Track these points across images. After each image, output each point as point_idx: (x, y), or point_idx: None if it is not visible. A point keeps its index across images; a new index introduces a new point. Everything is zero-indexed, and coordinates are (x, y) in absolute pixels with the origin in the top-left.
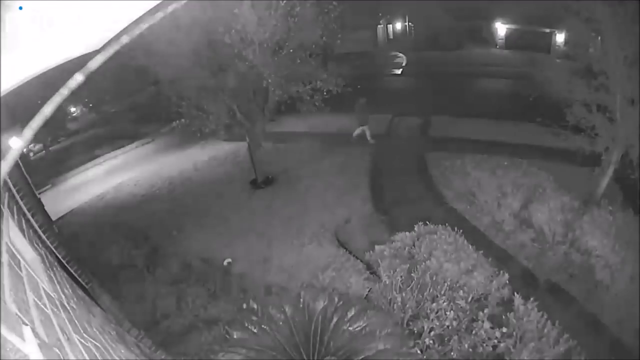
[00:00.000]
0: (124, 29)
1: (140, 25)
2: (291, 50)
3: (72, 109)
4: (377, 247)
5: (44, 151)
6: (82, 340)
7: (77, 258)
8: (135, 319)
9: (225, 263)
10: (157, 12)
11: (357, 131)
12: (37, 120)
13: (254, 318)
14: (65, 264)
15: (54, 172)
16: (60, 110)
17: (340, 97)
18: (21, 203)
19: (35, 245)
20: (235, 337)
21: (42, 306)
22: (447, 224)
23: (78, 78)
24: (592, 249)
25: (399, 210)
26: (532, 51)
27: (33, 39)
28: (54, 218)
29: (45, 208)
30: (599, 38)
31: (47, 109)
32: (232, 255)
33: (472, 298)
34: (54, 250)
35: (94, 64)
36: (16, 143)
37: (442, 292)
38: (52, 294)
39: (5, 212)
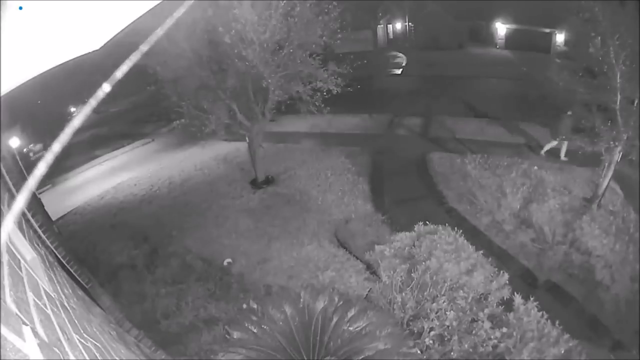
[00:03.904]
0: (127, 25)
1: (157, 32)
2: (291, 50)
3: (72, 109)
4: (377, 247)
5: (44, 151)
6: (82, 340)
7: (77, 258)
8: (135, 319)
9: (225, 263)
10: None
11: (550, 145)
12: (67, 133)
13: (254, 318)
14: (65, 264)
15: (54, 172)
16: (60, 110)
17: (340, 97)
18: None
19: (35, 245)
20: (235, 337)
21: (42, 306)
22: (447, 224)
23: (106, 88)
24: (592, 249)
25: (399, 210)
26: (532, 51)
27: (33, 39)
28: (54, 218)
29: (45, 208)
30: (599, 38)
31: (77, 121)
32: (232, 255)
33: (472, 298)
34: (54, 250)
35: (119, 73)
36: (14, 143)
37: (442, 292)
38: (52, 294)
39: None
